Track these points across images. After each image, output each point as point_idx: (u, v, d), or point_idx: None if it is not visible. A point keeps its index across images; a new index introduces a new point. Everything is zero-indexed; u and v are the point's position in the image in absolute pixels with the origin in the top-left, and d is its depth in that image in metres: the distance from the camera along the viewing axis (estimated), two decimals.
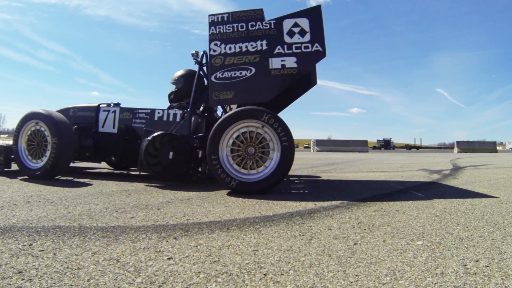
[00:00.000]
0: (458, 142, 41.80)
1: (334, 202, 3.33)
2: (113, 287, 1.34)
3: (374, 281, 1.44)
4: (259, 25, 4.74)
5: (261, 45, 4.67)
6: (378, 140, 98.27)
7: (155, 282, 1.39)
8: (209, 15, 4.91)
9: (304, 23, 4.58)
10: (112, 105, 5.89)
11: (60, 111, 6.01)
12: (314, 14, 4.58)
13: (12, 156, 5.38)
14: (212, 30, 4.85)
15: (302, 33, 4.58)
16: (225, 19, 4.85)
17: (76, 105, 6.13)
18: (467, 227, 2.40)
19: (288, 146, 4.10)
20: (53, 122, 5.06)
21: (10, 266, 1.55)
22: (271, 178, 4.02)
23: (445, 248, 1.89)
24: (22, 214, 2.64)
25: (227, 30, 4.83)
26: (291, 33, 4.62)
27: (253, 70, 4.64)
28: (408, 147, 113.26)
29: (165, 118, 5.44)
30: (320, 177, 6.36)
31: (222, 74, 4.71)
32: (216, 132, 4.26)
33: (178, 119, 5.26)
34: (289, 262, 1.64)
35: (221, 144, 4.25)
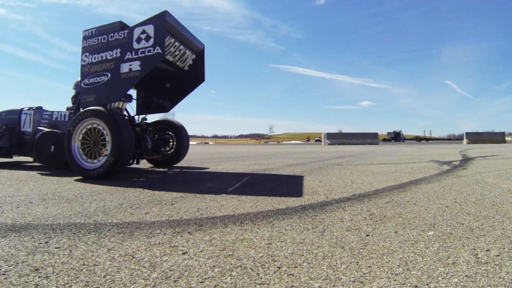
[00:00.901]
0: (467, 133, 41.24)
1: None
2: (129, 283, 1.35)
3: (386, 272, 1.43)
4: (116, 36, 5.38)
5: (116, 53, 5.31)
6: (388, 133, 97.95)
7: (170, 277, 1.39)
8: (83, 31, 5.62)
9: (150, 29, 5.06)
10: (34, 108, 6.93)
11: None
12: (158, 20, 5.03)
13: None
14: (84, 43, 5.56)
15: (147, 38, 5.08)
16: (93, 33, 5.54)
17: (6, 109, 7.27)
18: (477, 217, 2.37)
19: (118, 140, 4.78)
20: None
21: (27, 263, 1.56)
22: (103, 166, 4.78)
23: (456, 238, 1.87)
24: (38, 211, 2.65)
25: (93, 43, 5.53)
26: (138, 40, 5.16)
27: (109, 75, 5.33)
28: (418, 139, 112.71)
29: (59, 119, 6.55)
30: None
31: (88, 80, 5.47)
32: (69, 128, 5.21)
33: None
34: (303, 255, 1.64)
35: (73, 137, 5.16)
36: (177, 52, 6.14)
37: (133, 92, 7.01)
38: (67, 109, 6.68)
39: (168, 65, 6.28)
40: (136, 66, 5.13)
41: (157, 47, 4.99)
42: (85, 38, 5.65)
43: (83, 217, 2.46)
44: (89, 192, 3.58)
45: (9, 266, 1.52)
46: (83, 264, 1.54)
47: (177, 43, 6.00)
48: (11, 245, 1.83)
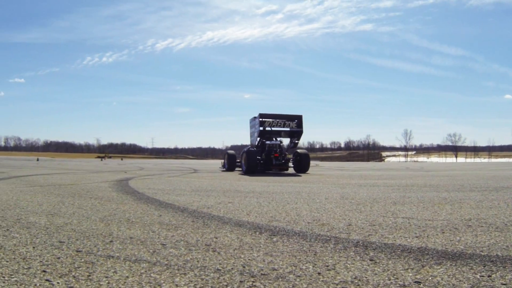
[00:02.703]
0: None
1: None
2: None
3: None
4: (254, 122, 15.60)
5: (254, 128, 15.60)
6: None
7: None
8: (249, 119, 16.46)
9: (257, 120, 14.94)
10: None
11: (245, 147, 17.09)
12: (258, 117, 14.81)
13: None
14: (250, 124, 16.37)
15: (257, 124, 15.06)
16: (251, 120, 16.15)
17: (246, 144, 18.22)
18: None
19: (247, 160, 13.54)
20: (228, 153, 16.11)
21: None
22: (245, 170, 13.92)
23: None
24: (468, 239, 2.52)
25: (251, 124, 16.27)
26: (256, 124, 15.16)
27: (253, 137, 15.78)
28: None
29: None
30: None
31: (251, 138, 16.26)
32: (241, 154, 15.13)
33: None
34: None
35: (242, 158, 14.67)
36: (279, 124, 14.96)
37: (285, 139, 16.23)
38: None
39: (283, 129, 15.23)
40: (255, 133, 15.25)
41: (260, 127, 14.67)
42: (250, 121, 16.15)
43: None
44: None
45: None
46: None
47: (276, 121, 14.91)
48: (450, 274, 1.77)
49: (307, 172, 14.09)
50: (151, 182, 8.22)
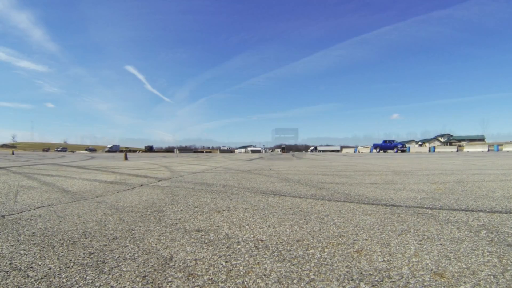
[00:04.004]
0: None
1: None
2: None
3: None
4: (272, 132, 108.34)
5: (273, 136, 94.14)
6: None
7: None
8: (272, 130, 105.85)
9: (274, 131, 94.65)
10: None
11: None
12: (274, 130, 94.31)
13: None
14: (271, 132, 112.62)
15: (275, 133, 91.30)
16: (272, 131, 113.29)
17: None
18: None
19: (271, 152, 45.29)
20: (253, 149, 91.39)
21: None
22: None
23: None
24: None
25: (272, 133, 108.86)
26: (274, 133, 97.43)
27: (273, 139, 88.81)
28: None
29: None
30: None
31: (272, 140, 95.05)
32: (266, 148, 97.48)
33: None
34: None
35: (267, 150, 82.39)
36: (285, 133, 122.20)
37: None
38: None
39: (288, 135, 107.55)
40: (274, 137, 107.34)
41: (276, 135, 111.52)
42: (271, 131, 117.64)
43: None
44: None
45: None
46: None
47: (284, 131, 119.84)
48: None
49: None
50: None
